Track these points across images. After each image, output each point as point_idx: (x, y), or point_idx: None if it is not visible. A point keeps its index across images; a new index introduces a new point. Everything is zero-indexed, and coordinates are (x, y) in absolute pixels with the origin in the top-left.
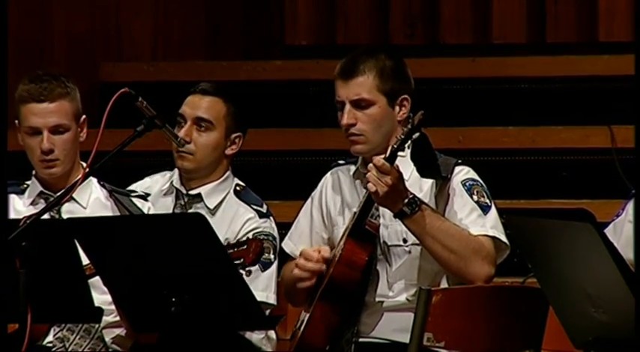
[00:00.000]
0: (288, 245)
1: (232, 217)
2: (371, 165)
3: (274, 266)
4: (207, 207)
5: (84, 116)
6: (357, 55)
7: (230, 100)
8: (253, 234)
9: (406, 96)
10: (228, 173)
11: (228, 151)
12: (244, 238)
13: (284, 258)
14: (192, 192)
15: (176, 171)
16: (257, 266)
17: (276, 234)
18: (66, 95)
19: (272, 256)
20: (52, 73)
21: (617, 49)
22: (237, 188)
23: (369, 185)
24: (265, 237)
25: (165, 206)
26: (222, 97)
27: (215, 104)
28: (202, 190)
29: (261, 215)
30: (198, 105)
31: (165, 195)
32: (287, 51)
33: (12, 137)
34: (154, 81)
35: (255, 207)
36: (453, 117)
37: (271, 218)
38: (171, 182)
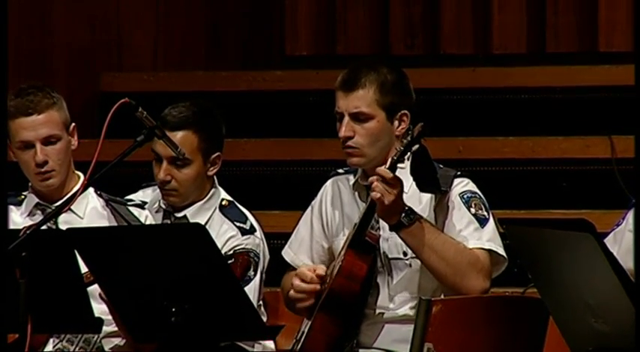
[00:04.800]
0: (288, 254)
1: (216, 234)
2: (375, 176)
3: (255, 283)
4: None
5: (73, 124)
6: (358, 68)
7: (200, 126)
8: (235, 250)
9: (406, 111)
10: (213, 190)
11: (210, 172)
12: (230, 252)
13: (284, 266)
14: (178, 215)
15: None
16: None
17: (259, 249)
18: (53, 105)
19: (252, 273)
20: (36, 84)
21: (617, 59)
22: (223, 203)
23: (375, 193)
24: (246, 254)
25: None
26: (192, 127)
27: (187, 139)
28: (188, 212)
29: (243, 232)
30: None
31: (156, 212)
32: (287, 61)
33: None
34: (154, 91)
35: (238, 224)
36: (453, 127)
37: (256, 234)
38: (159, 201)
